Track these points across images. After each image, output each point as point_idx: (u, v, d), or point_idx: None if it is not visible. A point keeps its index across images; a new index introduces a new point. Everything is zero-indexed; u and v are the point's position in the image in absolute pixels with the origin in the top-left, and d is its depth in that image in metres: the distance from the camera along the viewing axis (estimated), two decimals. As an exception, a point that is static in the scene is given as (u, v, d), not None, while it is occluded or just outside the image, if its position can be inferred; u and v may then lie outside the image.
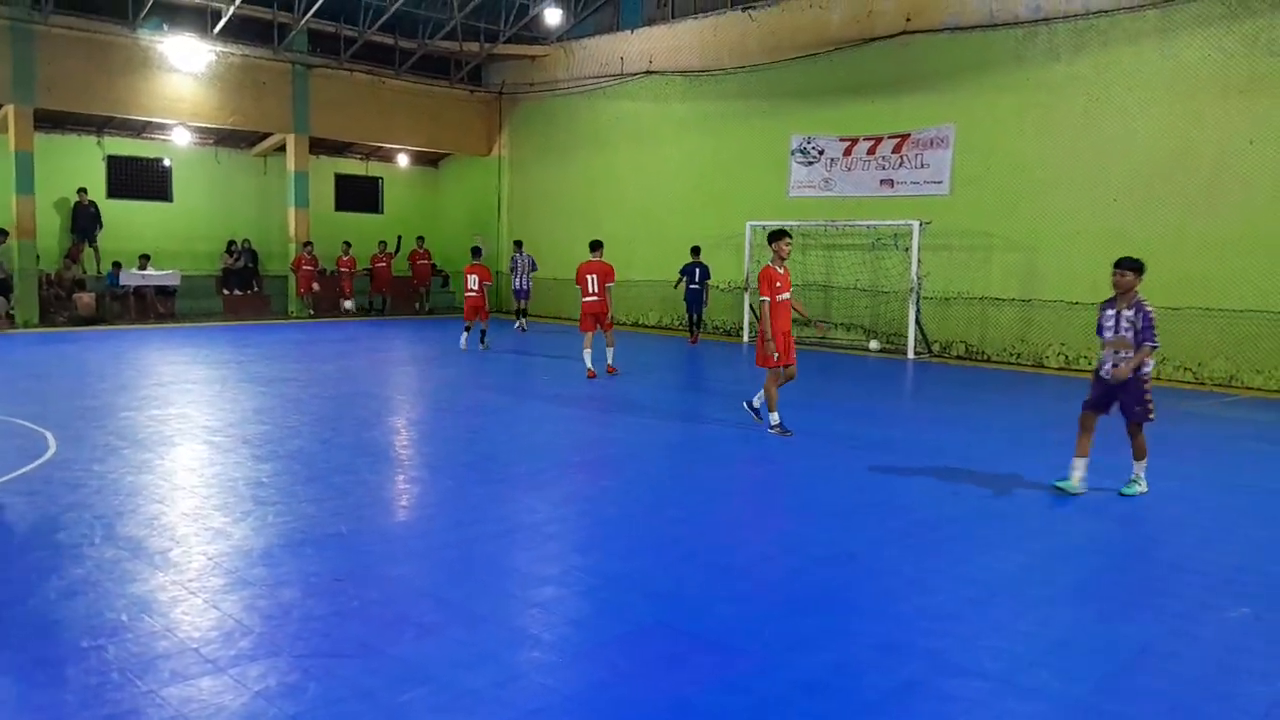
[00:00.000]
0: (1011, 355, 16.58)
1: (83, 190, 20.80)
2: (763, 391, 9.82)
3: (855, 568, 5.68)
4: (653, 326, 22.13)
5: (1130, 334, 7.28)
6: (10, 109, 18.60)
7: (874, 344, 17.80)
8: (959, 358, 17.02)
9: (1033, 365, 16.24)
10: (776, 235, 9.44)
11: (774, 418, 9.55)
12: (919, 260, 16.91)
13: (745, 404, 10.18)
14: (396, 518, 6.74)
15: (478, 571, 5.49)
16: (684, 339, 20.07)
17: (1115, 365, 7.34)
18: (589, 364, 13.72)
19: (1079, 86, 15.60)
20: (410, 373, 14.70)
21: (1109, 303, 7.53)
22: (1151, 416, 7.34)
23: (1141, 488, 7.50)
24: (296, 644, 4.36)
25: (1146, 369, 7.34)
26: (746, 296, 19.32)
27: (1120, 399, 7.40)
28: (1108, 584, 5.53)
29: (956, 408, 12.03)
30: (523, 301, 21.46)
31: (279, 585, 5.11)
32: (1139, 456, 7.50)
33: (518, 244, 22.13)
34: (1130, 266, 7.42)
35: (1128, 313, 7.33)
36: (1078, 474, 7.48)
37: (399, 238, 25.56)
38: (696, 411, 11.48)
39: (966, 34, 16.90)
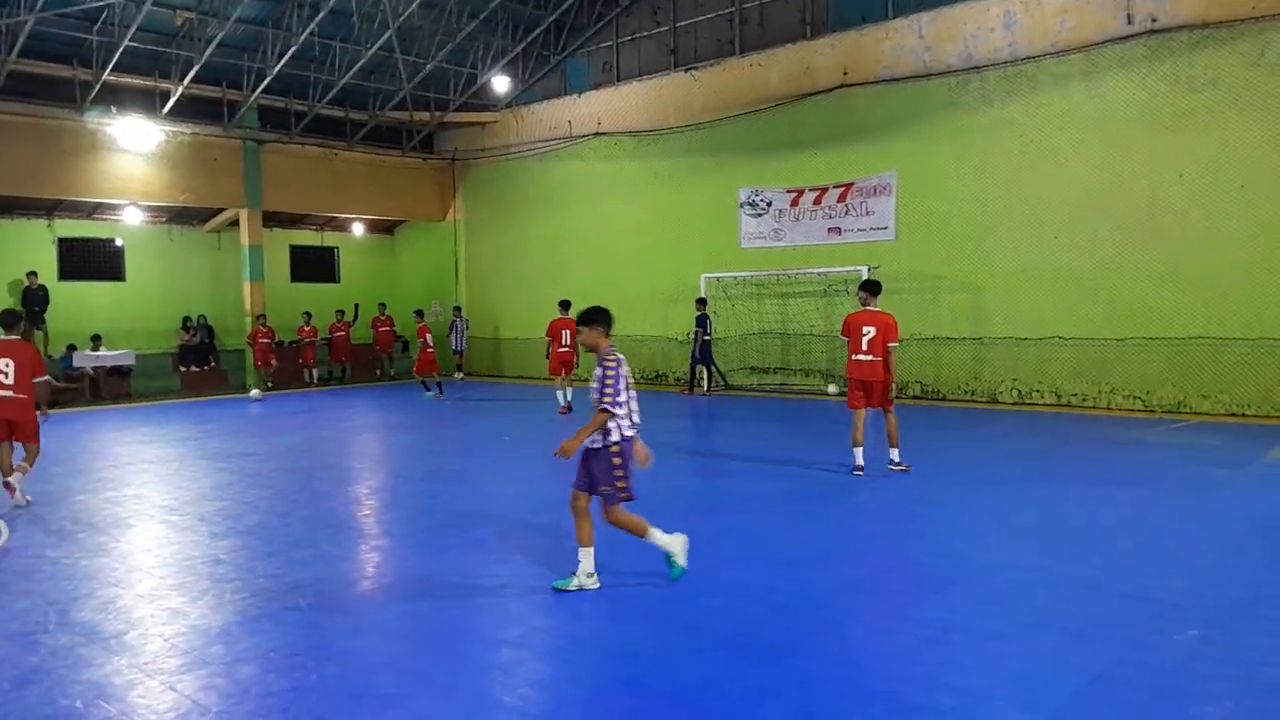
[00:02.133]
0: (966, 393, 16.87)
1: (33, 274, 20.64)
2: (897, 431, 10.22)
3: (813, 616, 5.74)
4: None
5: (596, 394, 6.16)
6: (-44, 196, 18.51)
7: (832, 388, 18.04)
8: (915, 397, 17.28)
9: (987, 401, 16.53)
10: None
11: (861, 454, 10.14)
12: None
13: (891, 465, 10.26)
14: (356, 588, 6.71)
15: (437, 638, 5.49)
16: (671, 393, 20.18)
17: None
18: (561, 402, 16.61)
19: (1012, 130, 16.14)
20: (371, 440, 14.64)
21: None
22: (622, 496, 6.18)
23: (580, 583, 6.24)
24: (254, 722, 4.34)
25: (611, 437, 6.10)
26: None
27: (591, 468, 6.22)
28: (1060, 616, 5.64)
29: (915, 451, 12.17)
30: (459, 359, 24.89)
31: (236, 663, 5.07)
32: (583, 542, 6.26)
33: (457, 309, 25.27)
34: (584, 319, 6.33)
35: (597, 371, 6.17)
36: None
37: (356, 306, 25.56)
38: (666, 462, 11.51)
39: (901, 85, 17.45)
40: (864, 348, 9.96)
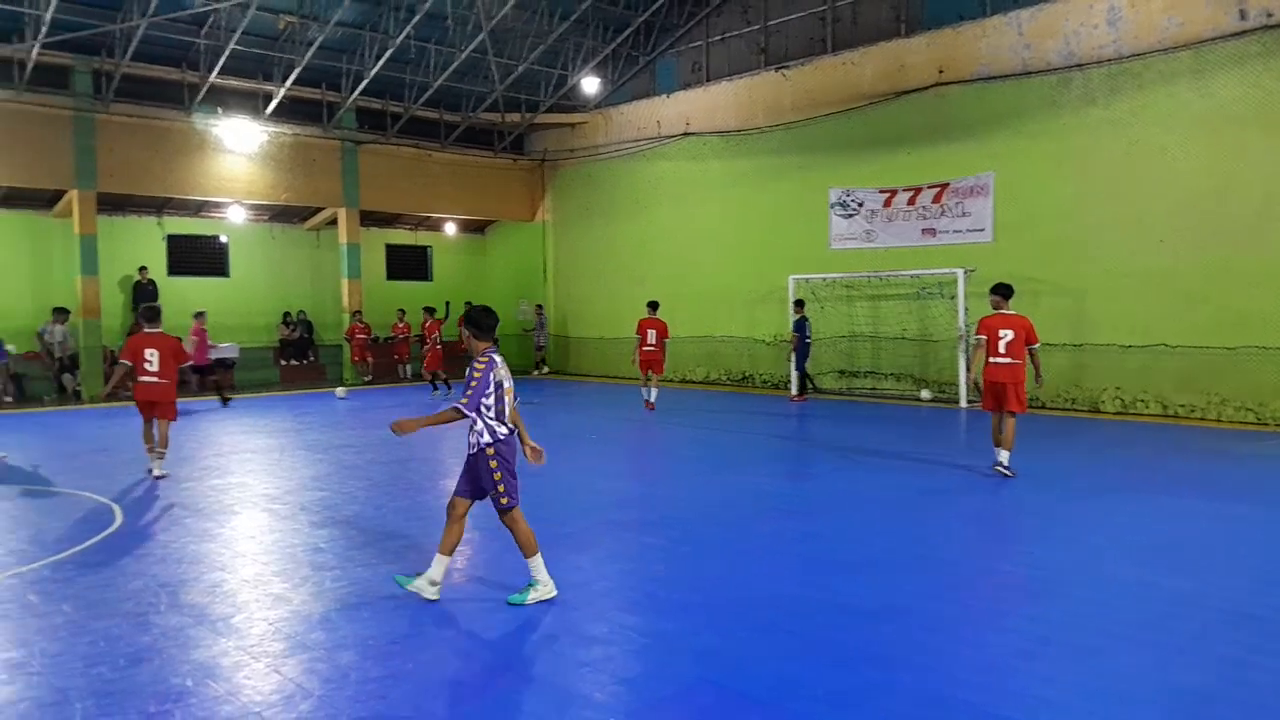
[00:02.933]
0: (1066, 400, 16.36)
1: (143, 269, 21.61)
2: (1014, 436, 10.20)
3: (902, 622, 5.66)
4: (699, 382, 22.23)
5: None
6: (74, 194, 19.46)
7: (925, 393, 17.71)
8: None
9: (1088, 410, 16.01)
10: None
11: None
12: (965, 308, 16.87)
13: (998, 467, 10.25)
14: (449, 580, 6.84)
15: (526, 632, 5.57)
16: (758, 395, 20.11)
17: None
18: (646, 398, 16.99)
19: (1117, 129, 15.60)
20: (460, 434, 14.89)
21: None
22: (504, 501, 6.02)
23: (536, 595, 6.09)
24: (355, 706, 4.48)
25: (484, 439, 5.98)
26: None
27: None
28: (1161, 631, 5.44)
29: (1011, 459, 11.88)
30: (540, 354, 25.99)
31: (337, 649, 5.24)
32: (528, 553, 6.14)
33: (539, 307, 26.40)
34: (461, 321, 6.31)
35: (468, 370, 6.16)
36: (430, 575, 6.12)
37: (447, 304, 26.08)
38: (746, 464, 11.50)
39: (999, 83, 17.02)
40: (1002, 350, 10.04)
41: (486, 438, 5.97)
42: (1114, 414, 15.66)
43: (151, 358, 10.77)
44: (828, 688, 4.67)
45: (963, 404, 16.86)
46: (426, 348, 20.77)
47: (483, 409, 5.94)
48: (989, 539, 7.94)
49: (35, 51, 17.37)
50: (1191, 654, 5.06)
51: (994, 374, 10.08)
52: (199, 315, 19.19)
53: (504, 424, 6.02)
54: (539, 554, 6.10)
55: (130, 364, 10.79)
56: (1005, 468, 10.16)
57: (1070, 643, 5.24)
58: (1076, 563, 6.88)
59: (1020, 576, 6.61)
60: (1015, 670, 4.88)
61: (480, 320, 6.16)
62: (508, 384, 6.07)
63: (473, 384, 5.92)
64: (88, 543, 7.68)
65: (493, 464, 5.97)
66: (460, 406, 5.91)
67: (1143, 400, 15.47)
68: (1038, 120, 16.59)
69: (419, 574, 6.20)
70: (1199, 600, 5.94)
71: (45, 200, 20.64)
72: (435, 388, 20.76)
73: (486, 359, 6.00)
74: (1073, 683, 4.70)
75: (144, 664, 5.04)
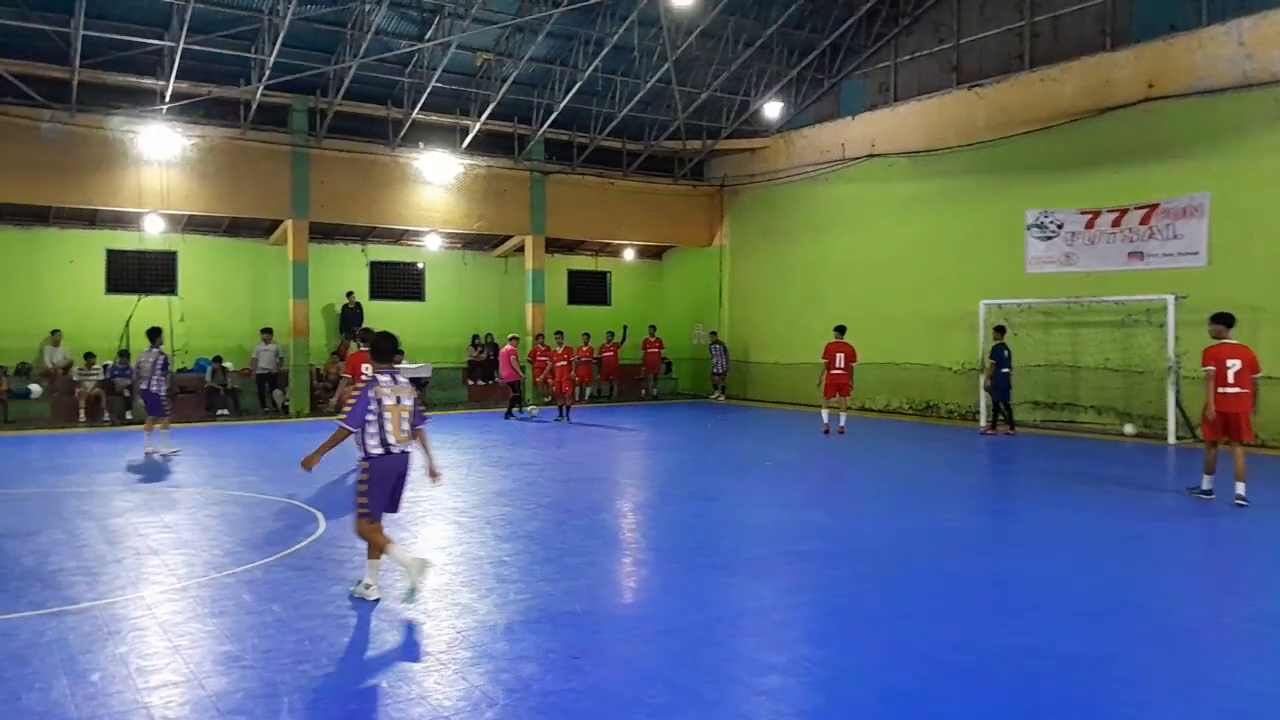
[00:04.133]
0: (1292, 440, 14.88)
1: (350, 294, 23.11)
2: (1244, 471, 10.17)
3: (1104, 672, 5.24)
4: (879, 411, 21.60)
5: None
6: (289, 224, 21.08)
7: (1129, 428, 16.50)
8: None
9: (1319, 451, 14.49)
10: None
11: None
12: (1176, 337, 15.64)
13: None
14: (626, 599, 6.90)
15: (705, 656, 5.51)
16: (943, 426, 19.44)
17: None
18: (826, 422, 17.05)
19: (1357, 142, 14.14)
20: (637, 457, 15.08)
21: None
22: (359, 511, 6.42)
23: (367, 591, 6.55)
24: (537, 717, 4.56)
25: (358, 454, 6.41)
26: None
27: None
28: None
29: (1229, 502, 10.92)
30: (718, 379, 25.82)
31: (520, 660, 5.36)
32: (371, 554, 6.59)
33: (714, 334, 26.32)
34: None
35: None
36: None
37: (625, 328, 26.54)
38: (933, 499, 11.04)
39: (1217, 96, 15.78)
40: (1231, 380, 10.09)
41: (360, 453, 6.44)
42: (1353, 457, 14.09)
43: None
44: (1026, 737, 4.37)
45: (1171, 440, 15.60)
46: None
47: (366, 425, 6.35)
48: (1208, 587, 7.27)
49: (259, 93, 19.00)
50: None
51: (1225, 404, 10.09)
52: (513, 339, 21.28)
53: (381, 443, 6.39)
54: (380, 561, 6.53)
55: (351, 376, 12.04)
56: (1243, 499, 9.99)
57: (1308, 708, 4.70)
58: (1314, 619, 6.19)
59: (1243, 631, 5.99)
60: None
61: (377, 344, 6.83)
62: (389, 402, 6.40)
63: (350, 402, 6.45)
64: (295, 547, 8.21)
65: (362, 476, 6.46)
66: (340, 422, 6.46)
67: (1389, 442, 13.86)
68: (1261, 136, 15.26)
69: (359, 581, 6.68)
70: None
71: (263, 229, 22.45)
72: (516, 409, 21.06)
73: (369, 380, 6.54)
74: (1314, 753, 4.21)
75: (344, 663, 5.31)
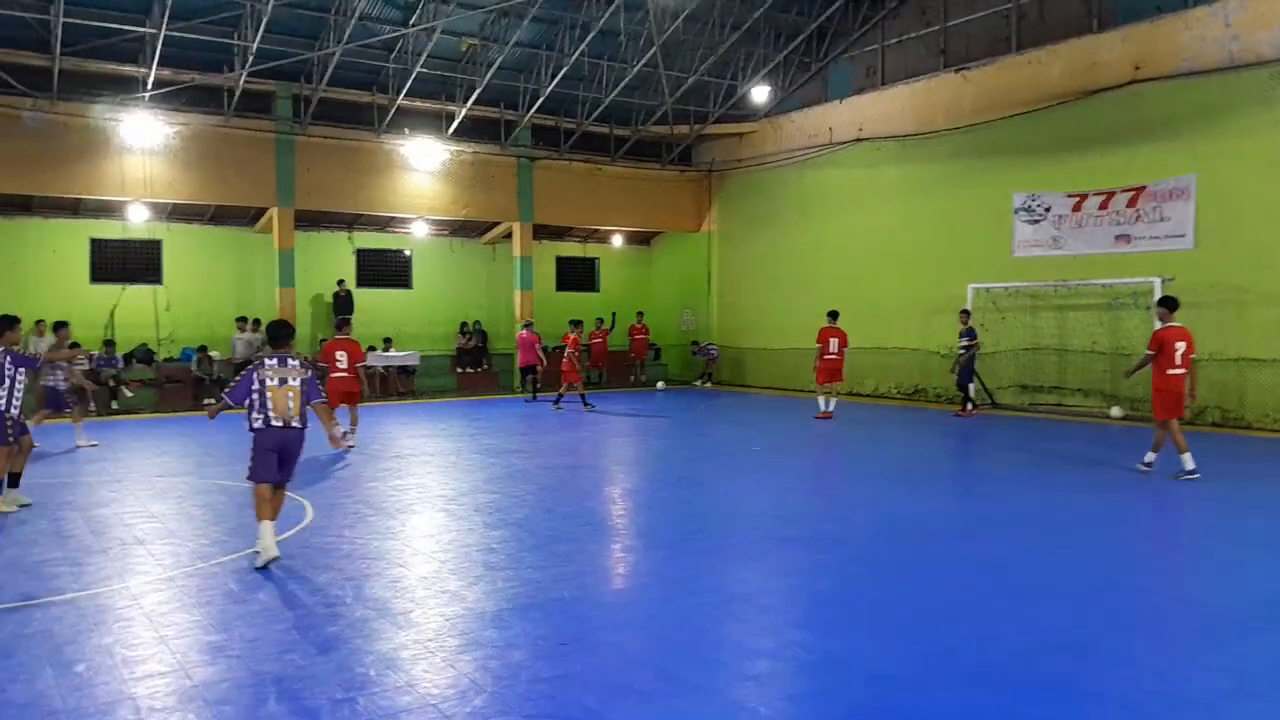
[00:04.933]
0: (1277, 421, 14.97)
1: (341, 281, 22.98)
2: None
3: (1091, 653, 5.26)
4: (868, 395, 21.64)
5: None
6: (275, 211, 20.93)
7: (1115, 410, 16.56)
8: (1214, 424, 15.55)
9: (1304, 431, 14.60)
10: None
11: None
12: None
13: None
14: (614, 585, 6.91)
15: (693, 641, 5.52)
16: (931, 409, 19.50)
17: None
18: (822, 407, 17.07)
19: (1342, 124, 14.18)
20: (625, 443, 15.08)
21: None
22: (248, 474, 7.27)
23: None
24: (525, 704, 4.55)
25: (248, 426, 7.28)
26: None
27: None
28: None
29: (1215, 482, 10.99)
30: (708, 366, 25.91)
31: (509, 647, 5.35)
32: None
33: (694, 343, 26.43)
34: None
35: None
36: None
37: (613, 314, 26.50)
38: (920, 482, 11.08)
39: (1203, 78, 15.79)
40: (1178, 361, 10.64)
41: (248, 425, 7.21)
42: (1338, 437, 14.20)
43: (341, 358, 13.63)
44: (1010, 717, 4.39)
45: (1159, 423, 15.68)
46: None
47: (251, 402, 7.17)
48: (1190, 568, 7.31)
49: (242, 80, 18.83)
50: None
51: (1177, 384, 10.67)
52: (529, 325, 22.27)
53: (263, 419, 7.15)
54: (268, 524, 7.09)
55: (326, 365, 13.31)
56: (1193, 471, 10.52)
57: (1291, 686, 4.74)
58: (1297, 599, 6.24)
59: (1228, 610, 6.03)
60: (1218, 710, 4.45)
61: (270, 332, 7.71)
62: (272, 383, 7.16)
63: (236, 380, 7.35)
64: (282, 536, 8.16)
65: (253, 445, 7.23)
66: (224, 395, 7.42)
67: (1373, 422, 13.96)
68: (1247, 117, 15.29)
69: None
70: None
71: (248, 217, 22.30)
72: (558, 400, 20.13)
73: (256, 363, 7.30)
74: (1297, 731, 4.24)
75: (331, 652, 5.29)
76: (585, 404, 19.76)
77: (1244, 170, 15.30)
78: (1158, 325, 10.95)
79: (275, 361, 7.24)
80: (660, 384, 25.51)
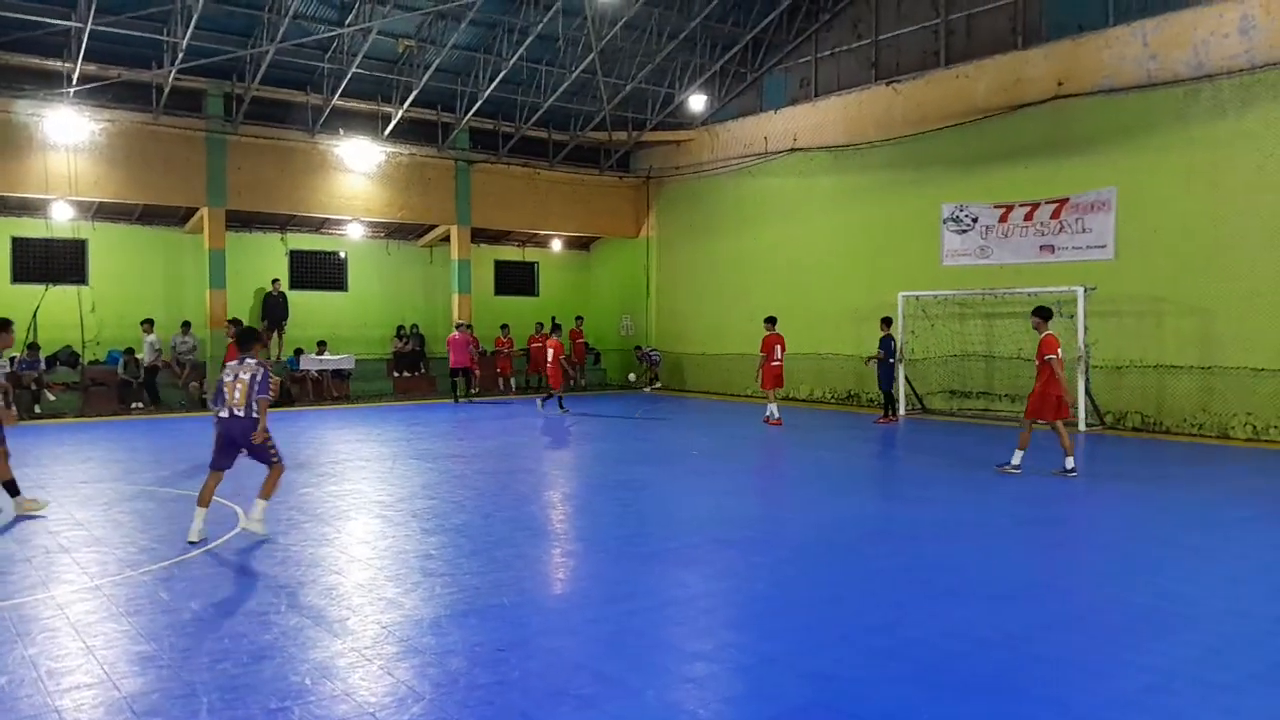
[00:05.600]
0: (1193, 426, 15.58)
1: (276, 281, 22.58)
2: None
3: (1020, 651, 5.45)
4: (803, 400, 21.97)
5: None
6: (205, 211, 20.50)
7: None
8: (1135, 429, 16.12)
9: (1217, 436, 15.21)
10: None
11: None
12: (1085, 328, 16.22)
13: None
14: (554, 590, 6.93)
15: (632, 645, 5.58)
16: (865, 414, 19.81)
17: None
18: (775, 414, 17.25)
19: (1249, 142, 14.85)
20: (565, 448, 15.09)
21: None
22: (274, 460, 8.35)
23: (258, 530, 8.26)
24: (464, 712, 4.56)
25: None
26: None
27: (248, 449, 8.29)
28: (1306, 673, 5.10)
29: (1135, 485, 11.41)
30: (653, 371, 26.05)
31: (447, 654, 5.35)
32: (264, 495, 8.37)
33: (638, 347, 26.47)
34: None
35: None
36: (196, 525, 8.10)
37: (553, 319, 26.46)
38: (854, 485, 11.31)
39: (1123, 95, 16.40)
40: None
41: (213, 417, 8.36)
42: (1244, 440, 14.83)
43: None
44: (943, 716, 4.53)
45: (1081, 427, 16.19)
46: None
47: (218, 399, 8.21)
48: (1113, 569, 7.59)
49: (172, 76, 18.42)
50: (1339, 698, 4.73)
51: (1059, 388, 11.53)
52: (465, 327, 22.40)
53: (222, 409, 8.15)
54: (205, 509, 8.12)
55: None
56: (1015, 467, 11.69)
57: (1203, 679, 4.96)
58: (1209, 595, 6.53)
59: (1148, 609, 6.29)
60: (1142, 706, 4.64)
61: (239, 336, 8.90)
62: (228, 380, 8.16)
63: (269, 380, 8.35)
64: (213, 544, 8.04)
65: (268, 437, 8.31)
66: (268, 396, 8.30)
67: (1276, 427, 14.61)
68: (1164, 133, 15.92)
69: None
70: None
71: (178, 217, 21.81)
72: (544, 401, 20.49)
73: (227, 369, 8.33)
74: (1206, 723, 4.45)
75: (265, 661, 5.23)
76: (561, 408, 19.87)
77: (1161, 184, 15.91)
78: (1045, 333, 11.66)
79: (235, 363, 8.31)
80: (631, 375, 25.69)
